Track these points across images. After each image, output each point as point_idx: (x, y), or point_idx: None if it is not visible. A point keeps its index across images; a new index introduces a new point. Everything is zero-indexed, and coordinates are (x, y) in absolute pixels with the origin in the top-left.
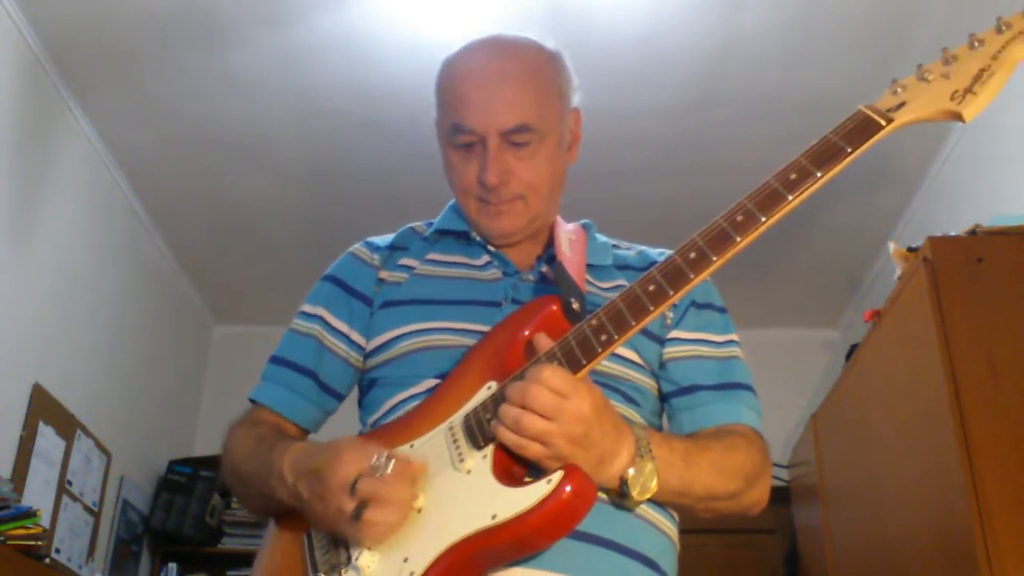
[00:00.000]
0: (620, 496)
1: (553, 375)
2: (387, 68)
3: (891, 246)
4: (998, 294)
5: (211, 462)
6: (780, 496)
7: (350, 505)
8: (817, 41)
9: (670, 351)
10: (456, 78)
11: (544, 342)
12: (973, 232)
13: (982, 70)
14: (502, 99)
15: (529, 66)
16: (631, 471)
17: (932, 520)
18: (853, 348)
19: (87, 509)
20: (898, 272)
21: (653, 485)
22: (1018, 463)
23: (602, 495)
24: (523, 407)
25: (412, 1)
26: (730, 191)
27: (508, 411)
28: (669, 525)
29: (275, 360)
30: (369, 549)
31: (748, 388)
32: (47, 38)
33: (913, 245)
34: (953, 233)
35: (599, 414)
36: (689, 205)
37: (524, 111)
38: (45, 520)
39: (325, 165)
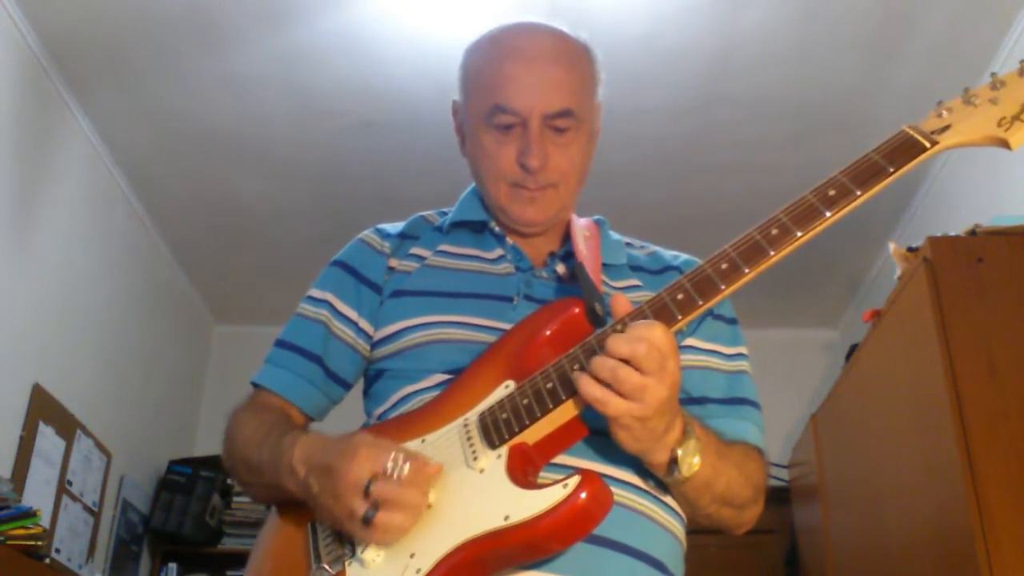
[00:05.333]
0: (667, 472)
1: (664, 334)
2: (387, 68)
3: (891, 246)
4: (998, 294)
5: (211, 462)
6: (780, 496)
7: (362, 507)
8: (818, 41)
9: (683, 358)
10: (499, 58)
11: (623, 304)
12: (973, 232)
13: None
14: (549, 81)
15: (573, 52)
16: (679, 450)
17: (932, 520)
18: (853, 348)
19: (87, 509)
20: (898, 272)
21: (697, 463)
22: (1018, 463)
23: (621, 495)
24: (627, 361)
25: (413, 2)
26: (732, 191)
27: (605, 362)
28: (678, 526)
29: (281, 344)
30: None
31: (755, 405)
32: (47, 38)
33: (913, 245)
34: (953, 233)
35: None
36: (691, 205)
37: (569, 96)
38: (45, 520)
39: (325, 165)
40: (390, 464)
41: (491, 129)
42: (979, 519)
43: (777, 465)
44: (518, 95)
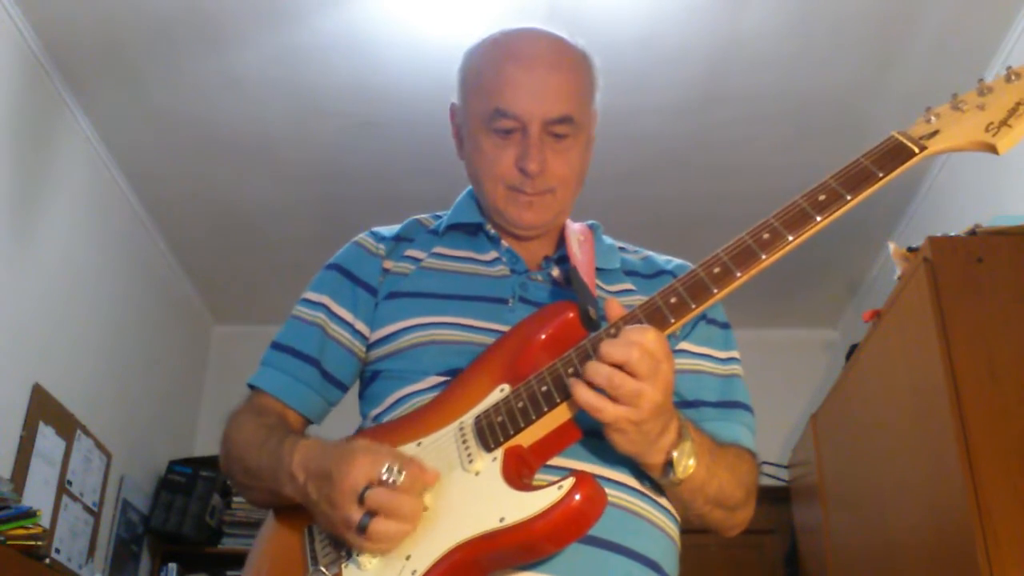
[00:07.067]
0: (662, 474)
1: (656, 338)
2: (387, 68)
3: (891, 246)
4: (998, 294)
5: (211, 462)
6: (780, 496)
7: (357, 514)
8: (817, 41)
9: (676, 362)
10: (501, 62)
11: (616, 308)
12: (973, 232)
13: (1018, 103)
14: (551, 87)
15: (574, 58)
16: (675, 453)
17: (932, 520)
18: (853, 348)
19: (87, 509)
20: (898, 272)
21: (692, 464)
22: (1018, 463)
23: (615, 496)
24: (621, 366)
25: (412, 2)
26: (731, 191)
27: (600, 368)
28: (672, 526)
29: (277, 347)
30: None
31: (747, 408)
32: (47, 39)
33: (913, 245)
34: (953, 233)
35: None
36: (690, 205)
37: (570, 103)
38: (45, 520)
39: (325, 165)
40: (385, 471)
41: (491, 132)
42: (979, 519)
43: (777, 465)
44: (519, 100)
